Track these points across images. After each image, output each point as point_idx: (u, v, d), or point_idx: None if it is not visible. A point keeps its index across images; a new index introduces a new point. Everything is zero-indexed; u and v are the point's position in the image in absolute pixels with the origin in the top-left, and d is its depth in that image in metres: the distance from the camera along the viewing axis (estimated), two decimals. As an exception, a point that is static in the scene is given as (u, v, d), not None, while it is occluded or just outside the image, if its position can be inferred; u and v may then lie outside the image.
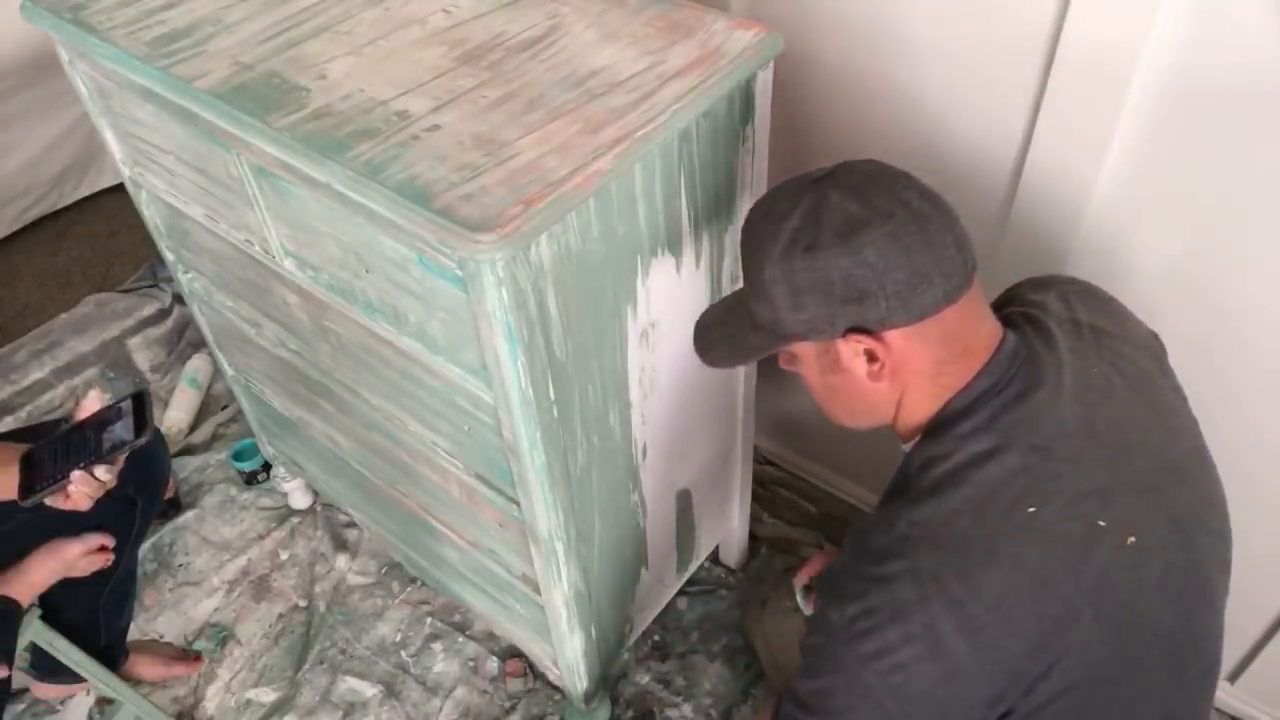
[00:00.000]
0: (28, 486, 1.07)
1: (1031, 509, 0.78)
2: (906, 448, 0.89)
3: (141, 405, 1.11)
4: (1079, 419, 0.81)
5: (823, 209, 0.79)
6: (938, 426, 0.84)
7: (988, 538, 0.77)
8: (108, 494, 1.11)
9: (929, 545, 0.78)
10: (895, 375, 0.83)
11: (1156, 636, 0.83)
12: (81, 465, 1.07)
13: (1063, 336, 0.86)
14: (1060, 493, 0.79)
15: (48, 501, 1.08)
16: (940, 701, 0.79)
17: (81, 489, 1.07)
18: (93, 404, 1.12)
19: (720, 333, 0.94)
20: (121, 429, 1.09)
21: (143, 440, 1.08)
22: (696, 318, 0.98)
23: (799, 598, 1.31)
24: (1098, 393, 0.83)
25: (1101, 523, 0.79)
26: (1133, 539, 0.79)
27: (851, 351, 0.82)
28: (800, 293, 0.80)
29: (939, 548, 0.78)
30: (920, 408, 0.85)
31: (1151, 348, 0.92)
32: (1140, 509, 0.81)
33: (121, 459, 1.10)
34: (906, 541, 0.80)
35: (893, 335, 0.80)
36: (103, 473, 1.08)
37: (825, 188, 0.80)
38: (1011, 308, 0.92)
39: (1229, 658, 1.37)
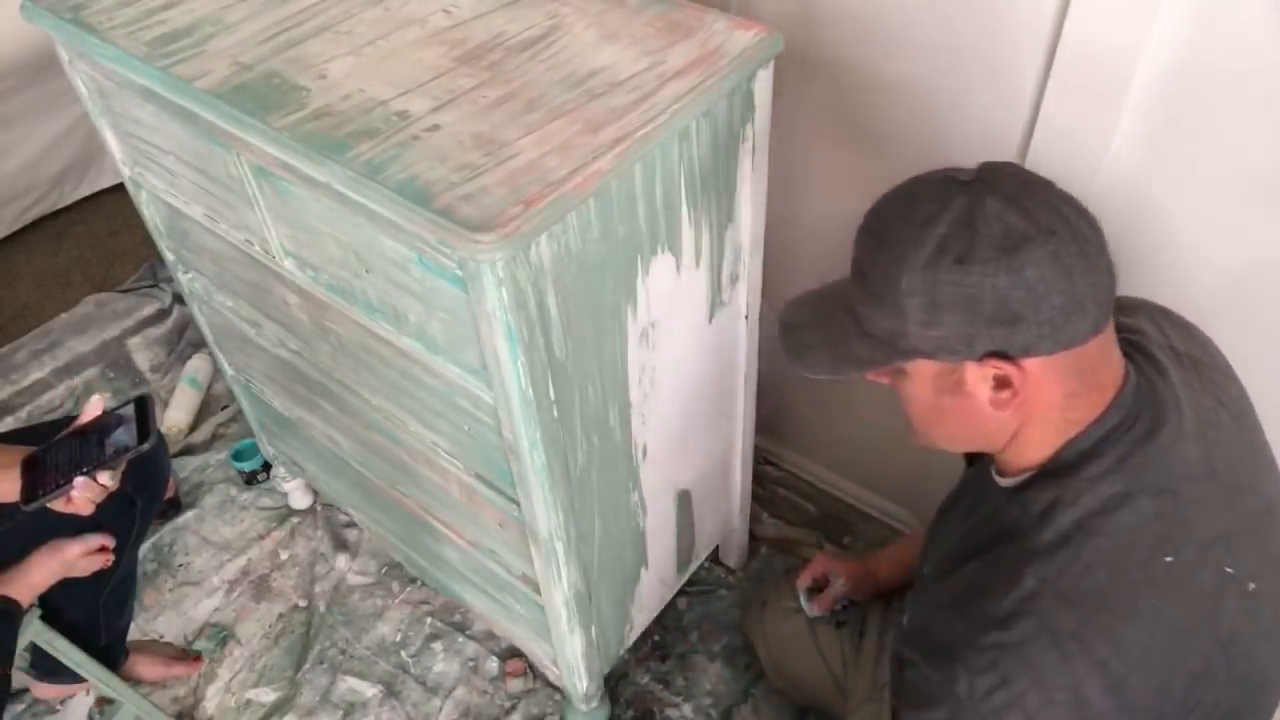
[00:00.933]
0: (30, 491, 1.07)
1: (1168, 559, 0.73)
2: (1007, 482, 0.83)
3: (144, 410, 1.11)
4: (1200, 459, 0.77)
5: (978, 216, 0.71)
6: (1061, 467, 0.77)
7: (1128, 591, 0.72)
8: (109, 496, 1.11)
9: (1063, 603, 0.72)
10: (1023, 405, 0.75)
11: (1263, 686, 0.80)
12: (84, 471, 1.07)
13: (1171, 367, 0.81)
14: (1191, 539, 0.74)
15: (49, 505, 1.08)
16: None
17: (85, 494, 1.07)
18: (95, 408, 1.12)
19: (817, 336, 0.84)
20: (124, 434, 1.09)
21: (146, 446, 1.08)
22: (783, 313, 0.88)
23: (803, 600, 1.31)
24: (1212, 429, 0.79)
25: (1229, 569, 0.75)
26: (1253, 585, 0.76)
27: (980, 376, 0.74)
28: (940, 308, 0.72)
29: (1075, 605, 0.72)
30: (1041, 443, 0.78)
31: (1234, 374, 0.88)
32: (1255, 553, 0.77)
33: (124, 464, 1.10)
34: (1037, 599, 0.73)
35: (1032, 363, 0.73)
36: (106, 478, 1.08)
37: (980, 192, 0.72)
38: None
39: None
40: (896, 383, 0.82)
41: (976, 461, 0.94)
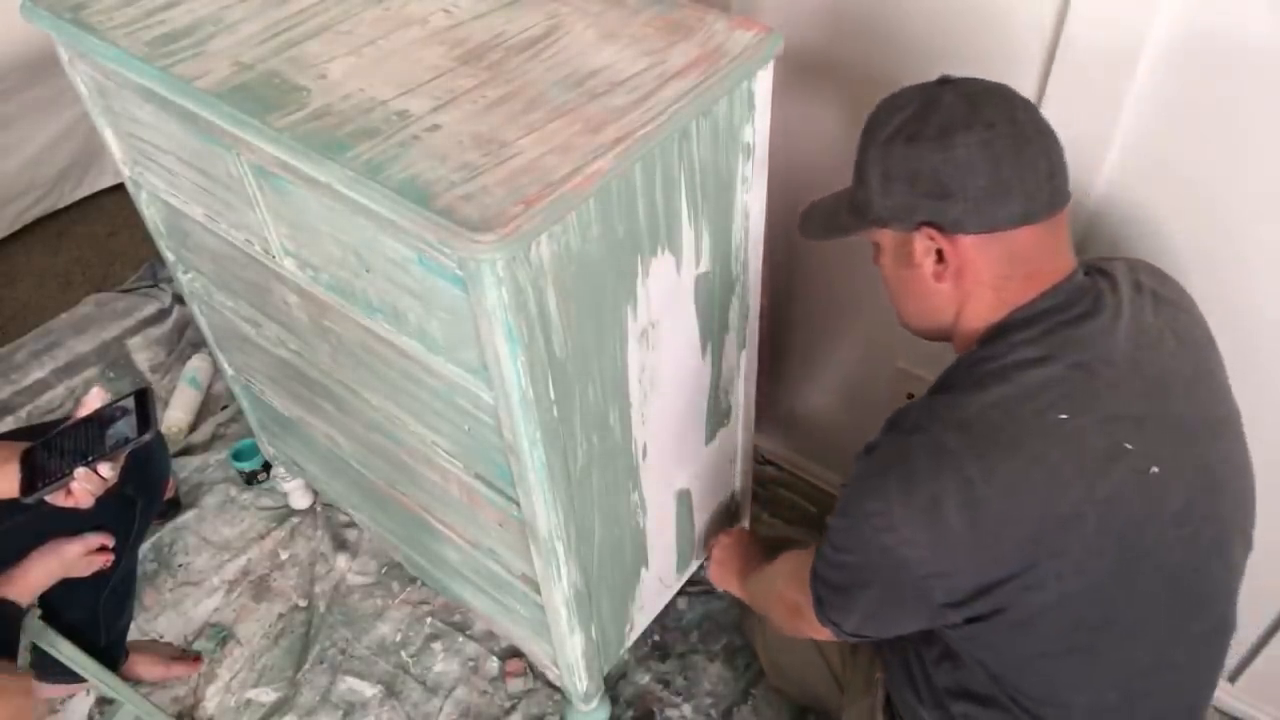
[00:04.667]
0: (30, 483, 1.06)
1: (1063, 416, 0.81)
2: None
3: (144, 402, 1.10)
4: (1126, 355, 0.85)
5: (934, 106, 0.83)
6: (994, 334, 0.88)
7: (1015, 433, 0.81)
8: (108, 491, 1.10)
9: (956, 427, 0.83)
10: (958, 279, 0.87)
11: (1160, 569, 0.85)
12: (85, 462, 1.06)
13: (1126, 289, 0.90)
14: (1093, 410, 0.82)
15: (49, 499, 1.07)
16: (925, 574, 0.83)
17: (85, 486, 1.06)
18: (94, 401, 1.11)
19: (819, 213, 1.01)
20: (125, 426, 1.08)
21: (147, 437, 1.07)
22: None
23: None
24: (1149, 339, 0.87)
25: (1128, 445, 0.82)
26: (1155, 470, 0.83)
27: (924, 248, 0.87)
28: (891, 178, 0.85)
29: (965, 431, 0.82)
30: (978, 317, 0.89)
31: (1205, 326, 0.95)
32: (1169, 446, 0.84)
33: (124, 455, 1.09)
34: (935, 420, 0.84)
35: (963, 240, 0.84)
36: (106, 470, 1.07)
37: (945, 90, 0.84)
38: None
39: (1229, 658, 1.37)
40: (880, 260, 0.94)
41: None
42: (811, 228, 1.02)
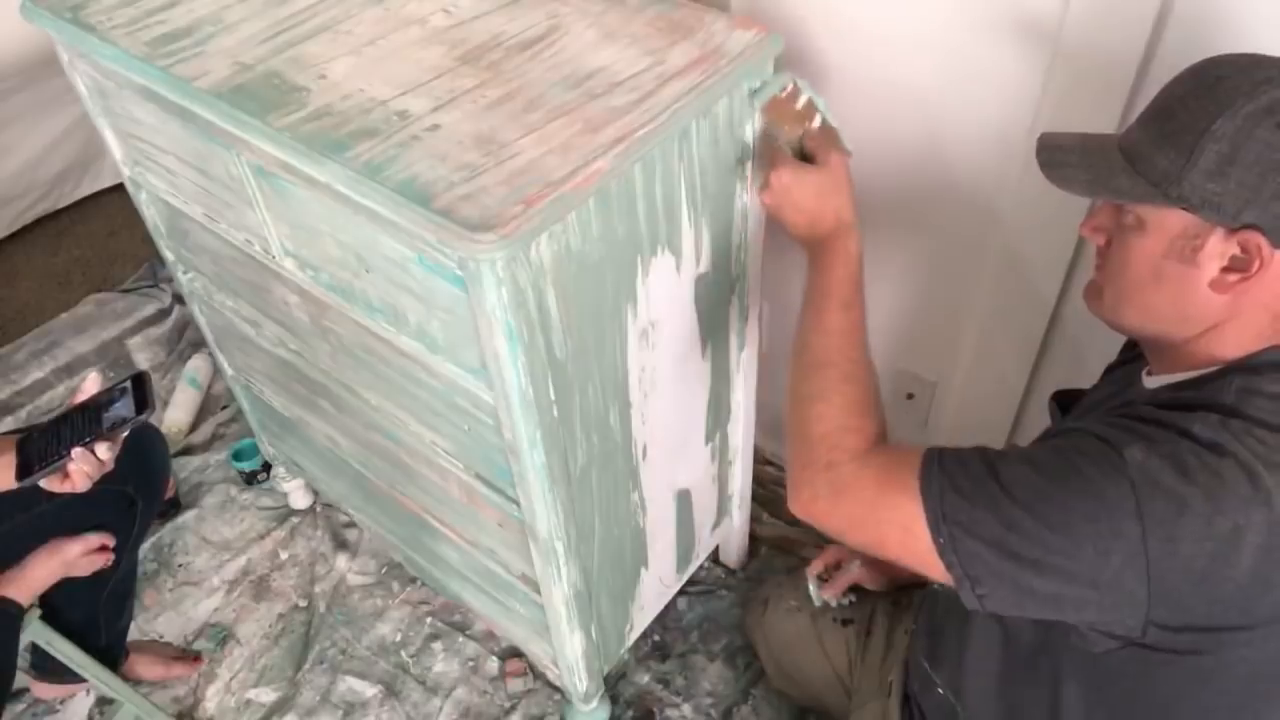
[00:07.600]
0: (25, 467, 1.04)
1: None
2: (1160, 382, 0.83)
3: (142, 384, 1.08)
4: None
5: None
6: (1258, 365, 0.76)
7: None
8: (105, 478, 1.08)
9: (1269, 465, 0.71)
10: (1240, 297, 0.74)
11: None
12: (83, 443, 1.04)
13: None
14: None
15: (45, 484, 1.05)
16: (1173, 593, 0.72)
17: (82, 468, 1.03)
18: (91, 386, 1.09)
19: (1078, 159, 0.82)
20: (122, 407, 1.06)
21: (145, 417, 1.05)
22: (1044, 135, 0.86)
23: (811, 588, 1.30)
24: None
25: None
26: None
27: (1220, 250, 0.73)
28: (1236, 162, 0.70)
29: (1276, 472, 0.71)
30: (1238, 342, 0.77)
31: None
32: None
33: (122, 437, 1.06)
34: (1244, 447, 0.71)
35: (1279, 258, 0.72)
36: (103, 451, 1.04)
37: None
38: None
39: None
40: (1122, 237, 0.80)
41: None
42: (1068, 178, 0.81)
